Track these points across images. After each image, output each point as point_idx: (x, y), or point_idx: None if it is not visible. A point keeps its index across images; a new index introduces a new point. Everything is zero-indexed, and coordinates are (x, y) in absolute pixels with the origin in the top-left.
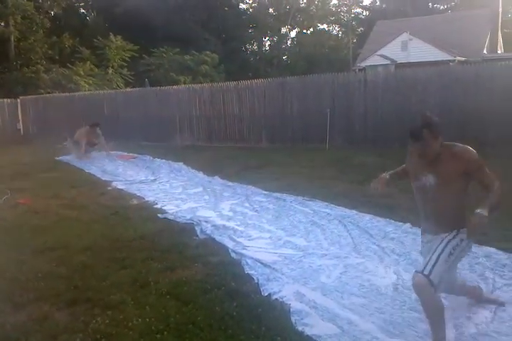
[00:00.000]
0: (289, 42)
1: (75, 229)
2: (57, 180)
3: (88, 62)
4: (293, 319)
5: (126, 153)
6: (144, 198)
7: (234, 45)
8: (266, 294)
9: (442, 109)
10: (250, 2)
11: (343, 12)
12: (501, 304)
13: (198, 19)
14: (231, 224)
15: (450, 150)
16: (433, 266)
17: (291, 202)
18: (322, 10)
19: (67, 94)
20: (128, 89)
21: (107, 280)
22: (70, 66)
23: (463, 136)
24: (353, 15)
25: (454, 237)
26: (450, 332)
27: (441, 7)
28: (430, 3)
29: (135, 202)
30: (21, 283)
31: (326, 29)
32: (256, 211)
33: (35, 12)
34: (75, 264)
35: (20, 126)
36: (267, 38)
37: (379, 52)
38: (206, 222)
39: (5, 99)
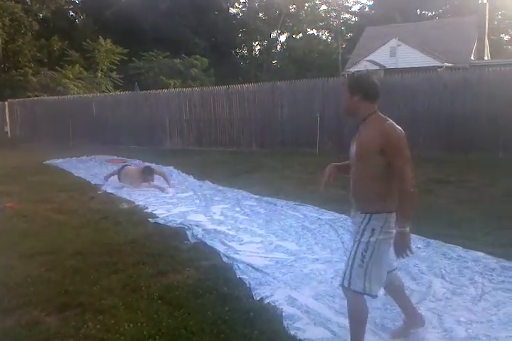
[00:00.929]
0: (278, 46)
1: (64, 233)
2: (45, 184)
3: (77, 65)
4: (285, 323)
5: (116, 157)
6: (134, 202)
7: (224, 49)
8: (258, 298)
9: (430, 114)
10: (240, 7)
11: (332, 17)
12: (416, 325)
13: (188, 23)
14: (222, 228)
15: (377, 122)
16: (350, 274)
17: (282, 206)
18: (311, 15)
19: (55, 97)
20: (117, 93)
21: (97, 284)
22: (59, 69)
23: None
24: (342, 21)
25: (363, 231)
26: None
27: (429, 14)
28: (418, 10)
29: (125, 206)
30: (10, 288)
31: (316, 34)
32: (247, 215)
33: (24, 14)
34: (65, 269)
35: (8, 129)
36: (257, 43)
37: (368, 58)
38: (197, 226)
39: None
